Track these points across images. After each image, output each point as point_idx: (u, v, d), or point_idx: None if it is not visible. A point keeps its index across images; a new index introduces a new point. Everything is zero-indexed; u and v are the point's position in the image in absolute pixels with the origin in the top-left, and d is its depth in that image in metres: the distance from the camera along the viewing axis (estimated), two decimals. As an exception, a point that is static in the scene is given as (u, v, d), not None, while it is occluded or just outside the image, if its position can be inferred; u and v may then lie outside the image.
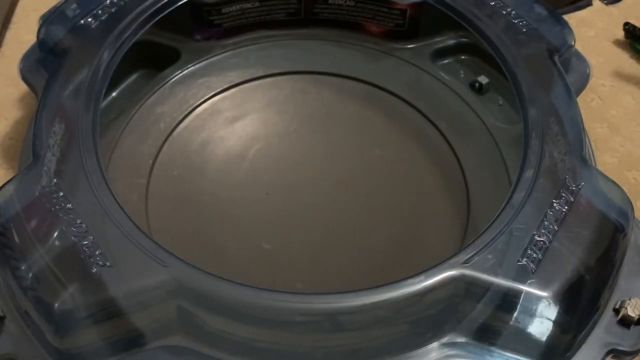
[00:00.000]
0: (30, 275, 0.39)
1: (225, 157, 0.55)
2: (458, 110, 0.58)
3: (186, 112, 0.57)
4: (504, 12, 0.56)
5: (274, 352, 0.40)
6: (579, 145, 0.46)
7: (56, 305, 0.38)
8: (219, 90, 0.59)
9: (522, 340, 0.39)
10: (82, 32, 0.52)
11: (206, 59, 0.61)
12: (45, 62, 0.52)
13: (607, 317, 0.41)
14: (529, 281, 0.39)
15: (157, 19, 0.55)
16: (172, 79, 0.59)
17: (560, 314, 0.39)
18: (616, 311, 0.41)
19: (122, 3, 0.54)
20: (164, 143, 0.55)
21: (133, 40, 0.53)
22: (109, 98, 0.56)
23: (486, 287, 0.39)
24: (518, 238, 0.40)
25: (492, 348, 0.40)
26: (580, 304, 0.40)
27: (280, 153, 0.55)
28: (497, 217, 0.42)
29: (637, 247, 0.44)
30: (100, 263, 0.39)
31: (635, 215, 0.44)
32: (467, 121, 0.57)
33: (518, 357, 0.40)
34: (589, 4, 0.69)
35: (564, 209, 0.42)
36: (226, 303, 0.38)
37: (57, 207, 0.41)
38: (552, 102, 0.49)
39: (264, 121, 0.58)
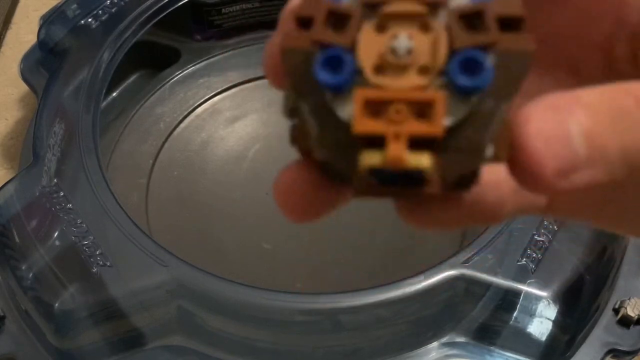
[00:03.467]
0: (31, 275, 0.39)
1: (225, 157, 0.55)
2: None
3: (186, 112, 0.57)
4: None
5: (274, 352, 0.40)
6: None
7: (56, 305, 0.38)
8: (219, 90, 0.59)
9: (521, 340, 0.39)
10: (83, 32, 0.52)
11: (206, 59, 0.61)
12: (46, 62, 0.52)
13: (606, 317, 0.41)
14: (528, 281, 0.39)
15: (157, 19, 0.55)
16: (172, 79, 0.59)
17: (559, 313, 0.39)
18: (616, 311, 0.41)
19: (122, 3, 0.54)
20: (164, 143, 0.55)
21: (133, 41, 0.53)
22: (109, 98, 0.56)
23: (486, 286, 0.39)
24: (518, 238, 0.40)
25: (492, 348, 0.40)
26: (580, 304, 0.40)
27: (280, 153, 0.55)
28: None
29: (637, 247, 0.44)
30: (101, 263, 0.39)
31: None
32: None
33: (518, 356, 0.40)
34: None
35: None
36: (226, 303, 0.38)
37: (57, 207, 0.41)
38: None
39: (264, 121, 0.58)
